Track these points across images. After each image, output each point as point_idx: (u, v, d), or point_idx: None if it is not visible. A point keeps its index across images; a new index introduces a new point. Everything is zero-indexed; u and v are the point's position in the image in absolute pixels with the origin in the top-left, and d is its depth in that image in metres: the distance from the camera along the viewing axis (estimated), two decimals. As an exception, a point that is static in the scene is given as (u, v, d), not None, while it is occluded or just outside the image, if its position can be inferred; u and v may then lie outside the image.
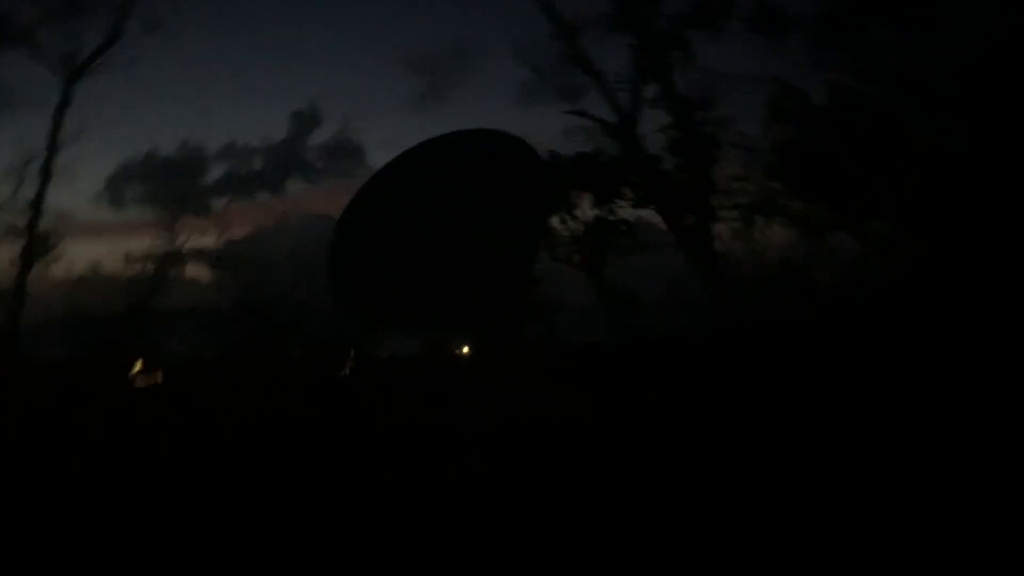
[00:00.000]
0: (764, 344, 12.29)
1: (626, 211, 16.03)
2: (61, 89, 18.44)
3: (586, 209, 15.90)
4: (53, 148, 18.54)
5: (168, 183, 23.77)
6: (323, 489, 8.00)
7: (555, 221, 15.13)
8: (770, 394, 9.71)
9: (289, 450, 9.59)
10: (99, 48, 18.61)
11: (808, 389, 9.71)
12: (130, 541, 6.83)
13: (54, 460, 9.50)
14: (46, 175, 18.44)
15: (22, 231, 18.10)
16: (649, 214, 16.22)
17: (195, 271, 19.87)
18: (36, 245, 18.27)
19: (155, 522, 7.20)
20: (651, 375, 11.56)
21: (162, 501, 7.88)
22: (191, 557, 6.53)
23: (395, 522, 6.86)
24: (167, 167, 26.80)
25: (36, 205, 18.34)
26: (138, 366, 18.68)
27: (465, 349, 13.99)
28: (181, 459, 9.42)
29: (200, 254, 19.27)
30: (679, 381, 11.06)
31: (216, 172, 53.66)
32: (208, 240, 19.29)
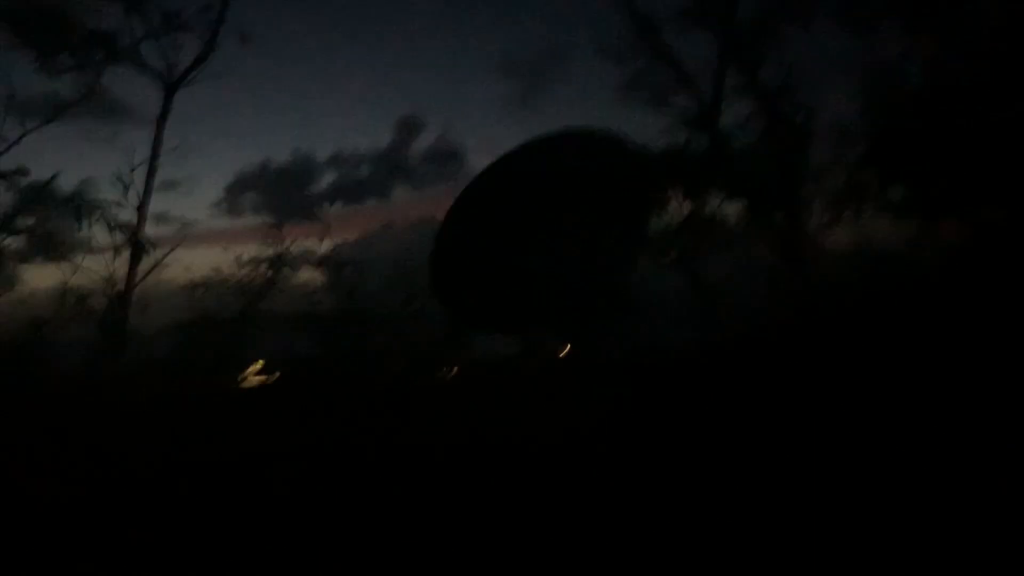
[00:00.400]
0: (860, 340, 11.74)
1: (717, 206, 15.72)
2: (162, 99, 19.81)
3: (677, 205, 15.61)
4: (155, 155, 19.91)
5: (280, 191, 24.62)
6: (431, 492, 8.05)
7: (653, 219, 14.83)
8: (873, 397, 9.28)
9: (395, 453, 9.68)
10: (196, 60, 19.80)
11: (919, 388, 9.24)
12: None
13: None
14: (149, 182, 19.86)
15: (128, 237, 19.36)
16: (739, 209, 15.77)
17: (305, 276, 20.44)
18: (139, 250, 19.46)
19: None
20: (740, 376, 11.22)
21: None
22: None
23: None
24: (279, 175, 27.80)
25: (140, 211, 19.65)
26: (257, 366, 19.27)
27: (564, 351, 13.86)
28: (298, 461, 9.65)
29: (309, 259, 19.84)
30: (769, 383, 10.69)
31: (325, 179, 55.11)
32: (317, 245, 19.84)
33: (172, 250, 19.97)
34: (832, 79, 16.39)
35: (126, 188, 19.46)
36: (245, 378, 19.14)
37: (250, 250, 19.97)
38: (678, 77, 16.32)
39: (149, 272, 19.57)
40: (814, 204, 15.87)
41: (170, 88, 19.65)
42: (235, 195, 30.35)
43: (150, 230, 19.82)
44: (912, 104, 14.54)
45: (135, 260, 19.37)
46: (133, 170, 19.51)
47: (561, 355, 13.73)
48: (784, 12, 15.78)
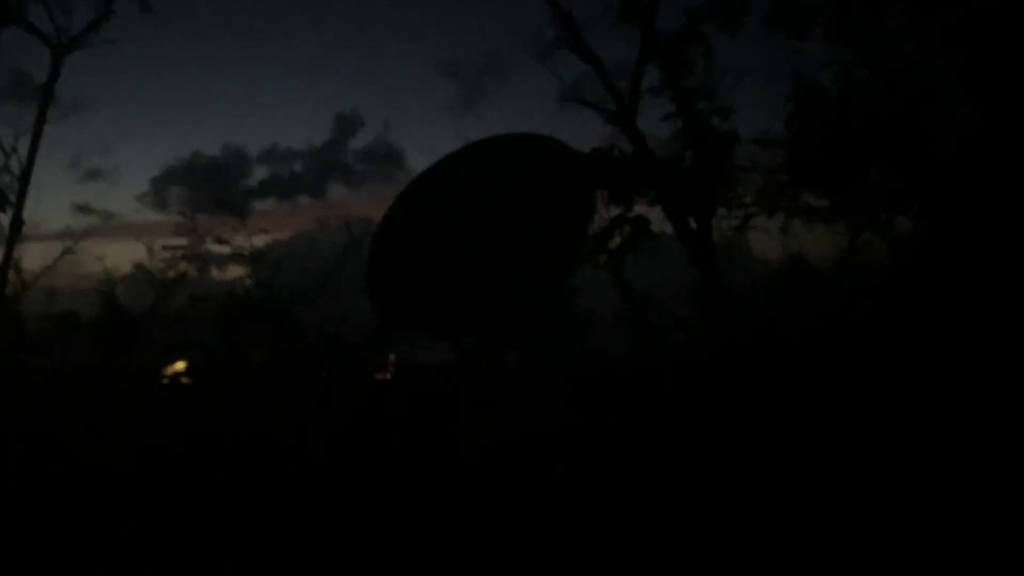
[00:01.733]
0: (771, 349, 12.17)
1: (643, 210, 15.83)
2: (51, 63, 18.78)
3: (605, 209, 15.68)
4: (41, 122, 18.82)
5: (209, 185, 24.01)
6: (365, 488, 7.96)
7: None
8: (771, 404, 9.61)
9: (324, 451, 9.56)
10: (89, 24, 18.89)
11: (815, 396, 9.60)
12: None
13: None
14: (33, 151, 18.66)
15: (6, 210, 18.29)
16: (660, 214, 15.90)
17: (233, 272, 19.98)
18: (17, 227, 18.43)
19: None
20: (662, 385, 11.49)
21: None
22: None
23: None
24: (209, 169, 27.07)
25: (24, 180, 18.54)
26: (178, 367, 18.79)
27: (502, 357, 13.89)
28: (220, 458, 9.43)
29: (237, 256, 19.38)
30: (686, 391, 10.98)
31: (258, 174, 53.82)
32: (246, 242, 19.40)
33: (77, 241, 19.22)
34: (755, 84, 16.60)
35: (7, 156, 18.45)
36: (165, 376, 18.66)
37: (174, 245, 19.43)
38: (602, 78, 16.36)
39: (55, 262, 18.81)
40: (731, 209, 16.10)
41: (58, 51, 18.70)
42: (162, 188, 29.44)
43: (67, 220, 19.01)
44: (831, 111, 14.96)
45: (13, 237, 18.44)
46: (17, 138, 18.55)
47: (498, 360, 13.76)
48: (707, 15, 15.97)
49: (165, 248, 19.39)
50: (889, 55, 14.56)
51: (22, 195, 18.38)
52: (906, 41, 14.50)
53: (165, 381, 18.45)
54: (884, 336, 11.49)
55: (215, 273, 20.12)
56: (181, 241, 19.35)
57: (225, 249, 19.33)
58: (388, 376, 15.69)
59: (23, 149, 18.46)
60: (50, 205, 42.53)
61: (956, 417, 8.40)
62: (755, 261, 17.57)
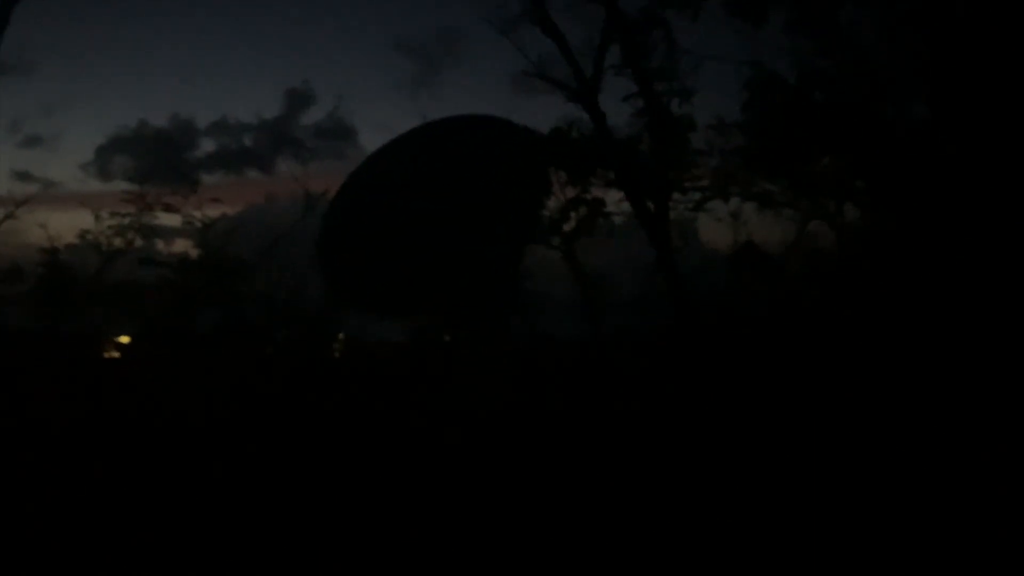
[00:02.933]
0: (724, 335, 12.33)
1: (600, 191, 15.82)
2: None
3: (562, 190, 15.63)
4: None
5: (157, 155, 23.37)
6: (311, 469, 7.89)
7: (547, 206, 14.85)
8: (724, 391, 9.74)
9: (271, 430, 9.45)
10: None
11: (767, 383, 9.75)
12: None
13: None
14: None
15: None
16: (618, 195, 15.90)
17: (180, 245, 19.53)
18: None
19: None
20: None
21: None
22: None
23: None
24: (156, 139, 26.35)
25: None
26: (122, 340, 18.41)
27: (451, 338, 13.85)
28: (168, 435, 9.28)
29: (185, 228, 18.91)
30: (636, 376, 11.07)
31: (206, 147, 52.65)
32: (193, 215, 18.92)
33: (18, 207, 18.55)
34: (716, 69, 16.65)
35: None
36: (107, 348, 18.25)
37: (119, 216, 18.87)
38: (564, 54, 16.24)
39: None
40: (687, 192, 16.20)
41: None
42: (106, 157, 28.59)
43: (5, 187, 18.33)
44: (787, 98, 15.11)
45: None
46: None
47: (448, 340, 13.72)
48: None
49: (113, 214, 18.82)
50: (845, 45, 14.74)
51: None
52: (862, 31, 14.71)
53: (106, 354, 18.04)
54: (830, 321, 11.69)
55: (163, 244, 19.63)
56: (128, 210, 18.80)
57: (174, 219, 18.86)
58: (336, 355, 15.52)
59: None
60: (-13, 170, 41.02)
61: (901, 399, 8.59)
62: (708, 245, 17.72)
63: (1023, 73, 11.71)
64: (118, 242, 18.86)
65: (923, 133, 13.60)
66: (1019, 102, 11.76)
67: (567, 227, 15.68)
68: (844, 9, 14.92)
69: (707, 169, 16.15)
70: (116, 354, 17.94)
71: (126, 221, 18.81)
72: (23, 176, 33.78)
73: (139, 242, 18.76)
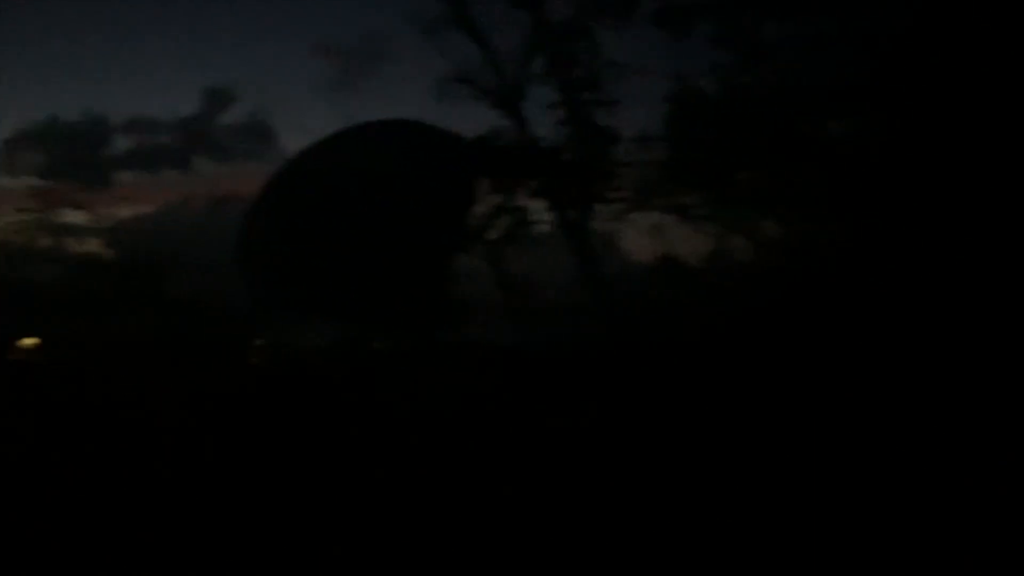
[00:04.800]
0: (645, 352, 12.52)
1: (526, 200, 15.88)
2: None
3: (487, 197, 15.63)
4: None
5: (67, 152, 22.53)
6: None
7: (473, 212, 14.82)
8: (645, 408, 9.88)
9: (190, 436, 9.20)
10: None
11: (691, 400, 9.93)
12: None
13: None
14: None
15: None
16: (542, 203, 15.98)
17: (91, 247, 18.88)
18: None
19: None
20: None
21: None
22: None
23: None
24: (67, 135, 25.34)
25: None
26: (29, 343, 17.68)
27: (376, 343, 13.69)
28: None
29: (96, 229, 18.31)
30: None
31: (121, 144, 50.94)
32: (106, 214, 18.34)
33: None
34: (641, 81, 16.87)
35: None
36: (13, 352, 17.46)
37: (27, 209, 18.09)
38: (489, 60, 16.24)
39: None
40: (610, 203, 16.38)
41: None
42: (12, 153, 27.32)
43: None
44: (708, 113, 15.45)
45: None
46: None
47: (375, 347, 13.56)
48: (595, 9, 16.14)
49: (19, 211, 18.05)
50: (768, 60, 15.16)
51: None
52: (786, 49, 15.13)
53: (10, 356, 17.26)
54: (745, 335, 11.97)
55: (73, 244, 18.96)
56: (35, 207, 18.07)
57: (84, 219, 18.23)
58: (257, 361, 15.20)
59: None
60: None
61: (821, 410, 8.82)
62: (630, 257, 17.99)
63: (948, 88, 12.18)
64: (22, 240, 18.14)
65: (842, 148, 14.09)
66: (945, 115, 12.22)
67: (492, 235, 15.70)
68: (768, 25, 15.35)
69: (629, 180, 16.38)
70: (21, 356, 17.18)
71: (30, 218, 18.11)
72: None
73: (46, 241, 18.10)
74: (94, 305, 17.06)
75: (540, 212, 15.99)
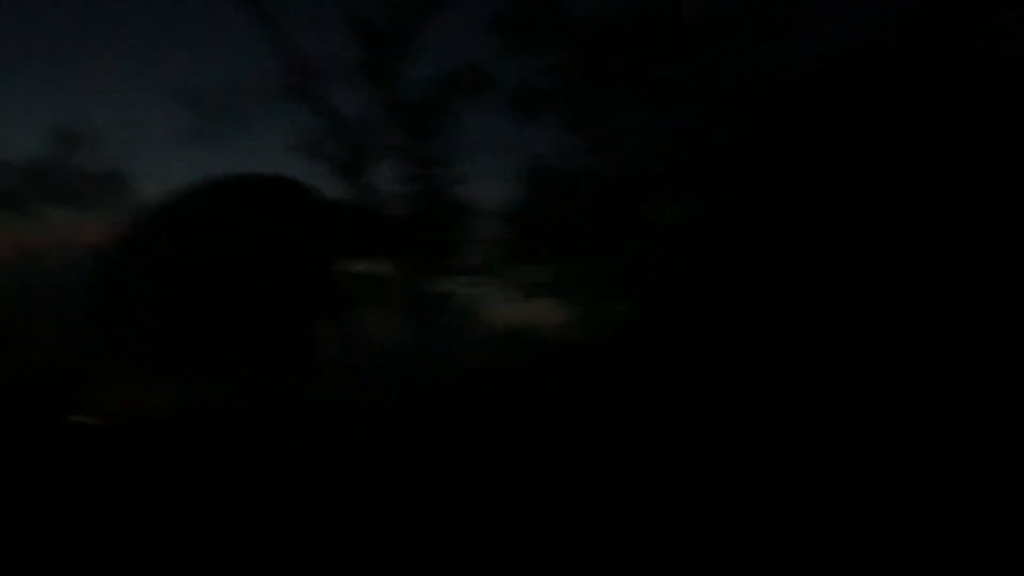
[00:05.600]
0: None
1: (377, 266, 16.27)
2: None
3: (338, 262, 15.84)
4: None
5: None
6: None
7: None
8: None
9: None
10: None
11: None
12: None
13: None
14: None
15: None
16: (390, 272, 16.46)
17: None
18: None
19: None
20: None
21: None
22: None
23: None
24: None
25: None
26: None
27: (234, 405, 13.65)
28: None
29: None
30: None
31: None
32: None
33: None
34: (496, 157, 17.52)
35: None
36: None
37: None
38: (337, 132, 16.53)
39: None
40: (460, 275, 16.97)
41: None
42: None
43: None
44: (557, 194, 16.35)
45: None
46: None
47: (229, 409, 13.48)
48: (450, 88, 16.87)
49: None
50: (616, 145, 16.33)
51: None
52: (637, 135, 16.34)
53: None
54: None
55: None
56: None
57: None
58: (97, 422, 14.68)
59: None
60: None
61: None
62: (479, 328, 18.59)
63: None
64: None
65: (689, 231, 15.05)
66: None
67: (340, 301, 15.92)
68: (620, 115, 16.53)
69: (479, 255, 17.09)
70: None
71: None
72: None
73: None
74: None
75: (390, 279, 16.45)
